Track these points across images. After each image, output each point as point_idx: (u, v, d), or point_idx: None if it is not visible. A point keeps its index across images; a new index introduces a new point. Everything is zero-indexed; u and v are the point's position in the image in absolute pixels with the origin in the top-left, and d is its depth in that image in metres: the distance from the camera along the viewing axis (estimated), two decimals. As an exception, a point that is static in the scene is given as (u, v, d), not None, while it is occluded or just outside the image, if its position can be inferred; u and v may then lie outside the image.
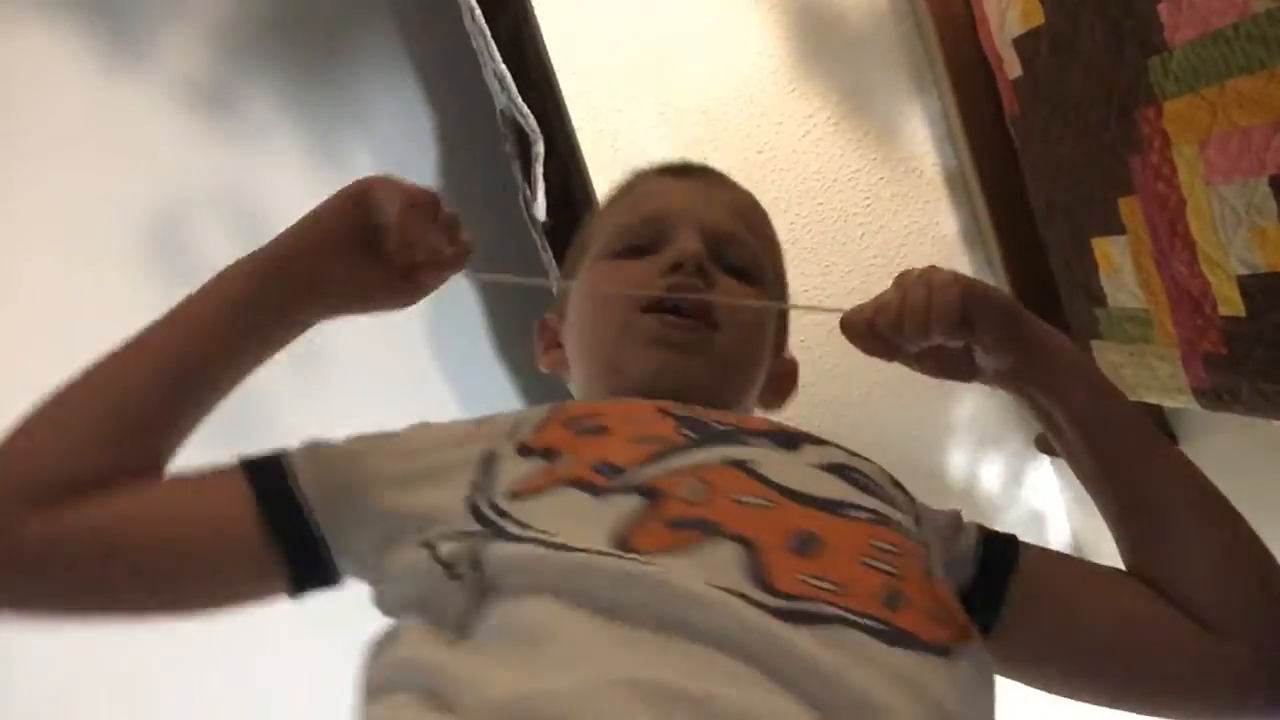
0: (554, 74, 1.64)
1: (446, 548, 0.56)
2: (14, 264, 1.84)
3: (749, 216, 0.85)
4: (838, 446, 0.69)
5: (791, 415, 1.74)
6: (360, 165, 2.03)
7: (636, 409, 0.66)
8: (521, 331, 2.13)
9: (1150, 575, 0.67)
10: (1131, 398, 1.45)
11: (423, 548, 0.57)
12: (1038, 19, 1.35)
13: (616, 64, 1.65)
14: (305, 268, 0.67)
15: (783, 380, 0.86)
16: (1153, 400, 1.41)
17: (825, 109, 1.69)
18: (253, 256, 0.68)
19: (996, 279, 1.73)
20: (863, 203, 1.71)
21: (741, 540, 0.55)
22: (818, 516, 0.58)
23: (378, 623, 0.60)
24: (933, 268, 0.69)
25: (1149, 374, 1.37)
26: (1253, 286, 1.14)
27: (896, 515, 0.63)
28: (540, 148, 1.64)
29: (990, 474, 1.76)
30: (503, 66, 1.61)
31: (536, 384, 2.10)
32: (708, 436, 0.63)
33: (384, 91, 2.04)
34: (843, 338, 0.75)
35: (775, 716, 0.47)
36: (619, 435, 0.62)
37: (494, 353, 2.11)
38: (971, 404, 1.74)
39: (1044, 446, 1.73)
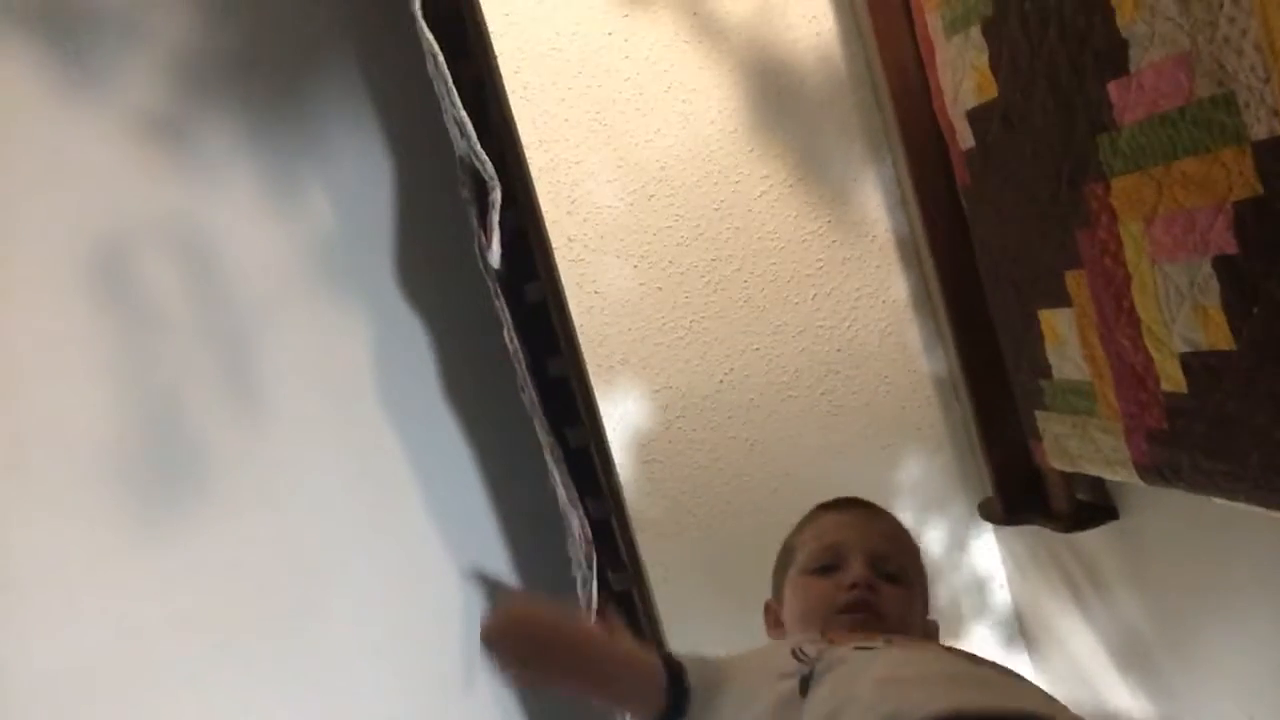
0: (514, 123, 1.64)
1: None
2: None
3: (898, 538, 1.24)
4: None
5: (742, 477, 1.73)
6: (316, 203, 2.02)
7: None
8: (467, 376, 2.11)
9: None
10: (1074, 469, 1.47)
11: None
12: (991, 92, 1.38)
13: (577, 115, 1.65)
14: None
15: (927, 636, 1.23)
16: (1095, 473, 1.42)
17: (782, 171, 1.71)
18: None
19: (944, 346, 1.74)
20: (815, 265, 1.72)
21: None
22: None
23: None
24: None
25: (1092, 446, 1.39)
26: (1195, 364, 1.16)
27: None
28: (497, 195, 1.64)
29: (933, 539, 1.77)
30: (463, 113, 1.61)
31: (479, 425, 2.08)
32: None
33: (344, 131, 2.03)
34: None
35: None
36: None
37: (441, 399, 2.09)
38: (916, 468, 1.75)
39: (987, 514, 1.74)
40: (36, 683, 1.85)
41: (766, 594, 1.35)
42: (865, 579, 1.14)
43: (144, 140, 1.93)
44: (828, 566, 1.18)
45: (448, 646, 2.09)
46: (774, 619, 1.26)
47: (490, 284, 1.80)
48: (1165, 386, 1.22)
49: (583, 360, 1.67)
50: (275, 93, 1.98)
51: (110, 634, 1.89)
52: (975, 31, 1.38)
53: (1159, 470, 1.27)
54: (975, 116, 1.43)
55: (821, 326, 1.72)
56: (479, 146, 1.63)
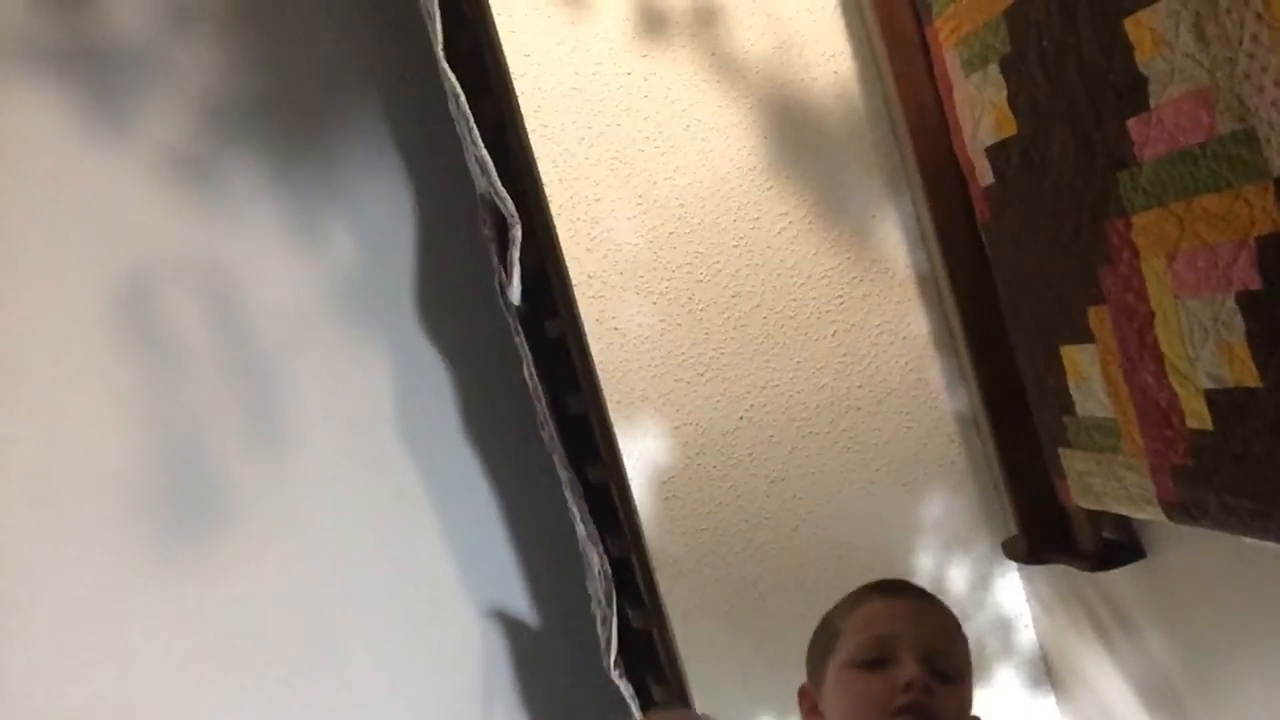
0: (534, 161, 1.65)
1: None
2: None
3: (950, 632, 1.17)
4: None
5: (762, 514, 1.72)
6: (338, 240, 2.04)
7: None
8: (487, 413, 2.12)
9: None
10: (1099, 507, 1.45)
11: None
12: (1010, 129, 1.38)
13: (597, 154, 1.66)
14: None
15: None
16: (1120, 511, 1.40)
17: (801, 208, 1.72)
18: None
19: (966, 383, 1.73)
20: (835, 301, 1.72)
21: None
22: None
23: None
24: None
25: (1117, 484, 1.37)
26: (1220, 401, 1.15)
27: None
28: (518, 231, 1.65)
29: (957, 577, 1.75)
30: (484, 151, 1.63)
31: (499, 461, 2.08)
32: None
33: (366, 170, 2.06)
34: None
35: None
36: None
37: (461, 435, 2.09)
38: (938, 506, 1.73)
39: (1011, 552, 1.72)
40: (55, 717, 1.85)
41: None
42: (921, 680, 1.08)
43: (169, 179, 1.96)
44: (877, 660, 1.11)
45: (465, 682, 2.08)
46: (810, 706, 1.18)
47: (510, 321, 1.81)
48: (1190, 423, 1.20)
49: (602, 397, 1.67)
50: (298, 132, 2.01)
51: (131, 668, 1.90)
52: (994, 69, 1.38)
53: (1185, 508, 1.26)
54: (994, 153, 1.43)
55: (842, 363, 1.72)
56: (500, 184, 1.64)
